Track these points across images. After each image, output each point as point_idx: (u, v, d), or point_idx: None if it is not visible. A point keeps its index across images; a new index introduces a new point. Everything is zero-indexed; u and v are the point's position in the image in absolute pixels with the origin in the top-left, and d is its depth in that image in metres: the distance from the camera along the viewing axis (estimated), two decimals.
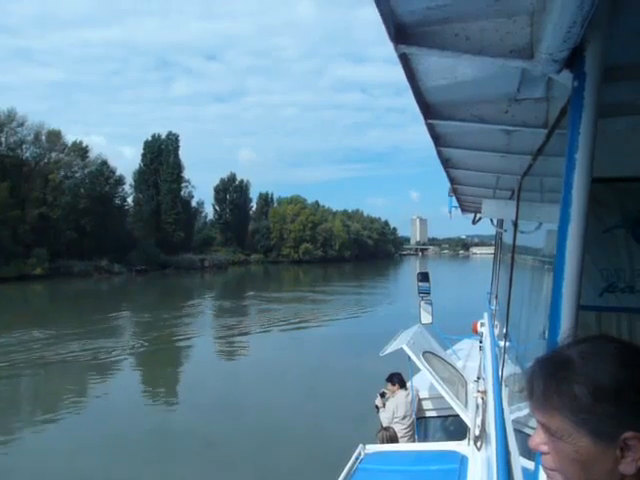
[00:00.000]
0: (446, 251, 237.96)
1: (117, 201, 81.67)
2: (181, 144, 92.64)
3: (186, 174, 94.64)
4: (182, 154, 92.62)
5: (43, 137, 70.72)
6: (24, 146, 68.69)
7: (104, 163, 78.64)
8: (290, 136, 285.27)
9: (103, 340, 21.17)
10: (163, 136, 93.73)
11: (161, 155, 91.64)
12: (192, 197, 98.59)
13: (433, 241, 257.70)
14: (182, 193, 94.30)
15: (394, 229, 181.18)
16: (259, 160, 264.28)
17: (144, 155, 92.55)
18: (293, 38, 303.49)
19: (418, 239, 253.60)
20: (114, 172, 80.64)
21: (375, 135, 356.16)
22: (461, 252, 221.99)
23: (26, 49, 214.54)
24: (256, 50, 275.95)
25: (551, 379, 0.92)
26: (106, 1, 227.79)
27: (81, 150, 76.01)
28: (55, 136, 72.13)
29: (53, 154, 71.60)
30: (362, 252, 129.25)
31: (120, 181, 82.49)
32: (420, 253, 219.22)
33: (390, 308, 29.70)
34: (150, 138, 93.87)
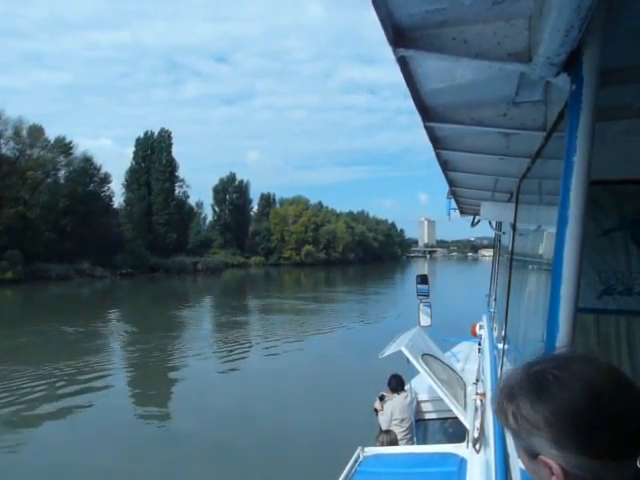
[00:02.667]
0: (454, 253, 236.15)
1: (103, 201, 75.04)
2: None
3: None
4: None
5: (24, 132, 66.21)
6: (1, 141, 63.81)
7: (87, 160, 72.68)
8: (298, 138, 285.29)
9: (80, 354, 18.80)
10: (157, 134, 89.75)
11: (154, 153, 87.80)
12: (187, 197, 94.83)
13: (441, 243, 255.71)
14: (177, 193, 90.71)
15: (401, 231, 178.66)
16: (267, 162, 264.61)
17: (135, 153, 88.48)
18: (302, 40, 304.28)
19: (426, 241, 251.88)
20: (99, 169, 74.77)
21: (384, 137, 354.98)
22: (470, 254, 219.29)
23: (36, 52, 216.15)
24: (265, 52, 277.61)
25: (504, 403, 0.97)
26: (115, 4, 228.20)
27: (64, 147, 70.73)
28: (37, 132, 67.49)
29: (35, 150, 66.64)
30: (367, 254, 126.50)
31: (106, 179, 76.24)
32: (428, 255, 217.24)
33: (397, 322, 22.42)
34: (142, 135, 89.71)
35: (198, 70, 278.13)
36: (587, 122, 1.31)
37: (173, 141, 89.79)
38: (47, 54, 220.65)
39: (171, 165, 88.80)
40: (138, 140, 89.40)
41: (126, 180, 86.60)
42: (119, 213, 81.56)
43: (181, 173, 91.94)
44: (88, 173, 72.14)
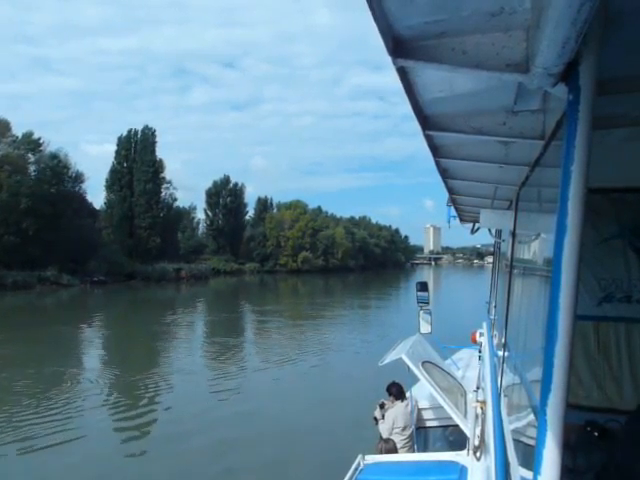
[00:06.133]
0: (460, 260, 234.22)
1: (75, 202, 66.95)
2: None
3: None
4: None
5: None
6: None
7: (55, 157, 65.26)
8: (306, 145, 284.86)
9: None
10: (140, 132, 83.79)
11: (137, 152, 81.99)
12: (175, 199, 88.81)
13: (447, 250, 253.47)
14: (163, 195, 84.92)
15: (405, 237, 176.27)
16: (274, 169, 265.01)
17: (117, 152, 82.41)
18: (310, 46, 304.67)
19: (432, 248, 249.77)
20: (68, 168, 67.09)
21: (392, 143, 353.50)
22: (475, 261, 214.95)
23: (44, 58, 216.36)
24: (273, 58, 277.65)
25: None
26: (124, 9, 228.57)
27: (33, 143, 64.86)
28: (2, 127, 62.35)
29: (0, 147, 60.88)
30: (368, 261, 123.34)
31: (78, 179, 68.82)
32: (433, 262, 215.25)
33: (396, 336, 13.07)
34: (126, 133, 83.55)
35: (206, 76, 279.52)
36: (584, 131, 1.33)
37: (158, 139, 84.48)
38: (55, 60, 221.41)
39: (154, 165, 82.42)
40: (120, 138, 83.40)
41: (107, 181, 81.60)
42: (100, 216, 76.07)
43: (186, 179, 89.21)
44: (56, 172, 64.69)
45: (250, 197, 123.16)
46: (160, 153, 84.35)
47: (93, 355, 22.47)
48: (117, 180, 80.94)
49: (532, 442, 1.65)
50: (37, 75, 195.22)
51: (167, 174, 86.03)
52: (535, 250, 2.77)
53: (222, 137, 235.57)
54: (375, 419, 7.72)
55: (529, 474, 1.73)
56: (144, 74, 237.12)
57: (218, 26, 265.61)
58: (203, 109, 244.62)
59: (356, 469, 4.97)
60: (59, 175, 65.31)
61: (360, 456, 5.21)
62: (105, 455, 10.41)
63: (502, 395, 3.84)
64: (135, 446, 11.22)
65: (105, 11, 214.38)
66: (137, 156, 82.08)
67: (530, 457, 1.63)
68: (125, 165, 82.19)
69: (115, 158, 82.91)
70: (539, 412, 1.45)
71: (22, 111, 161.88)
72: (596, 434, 3.11)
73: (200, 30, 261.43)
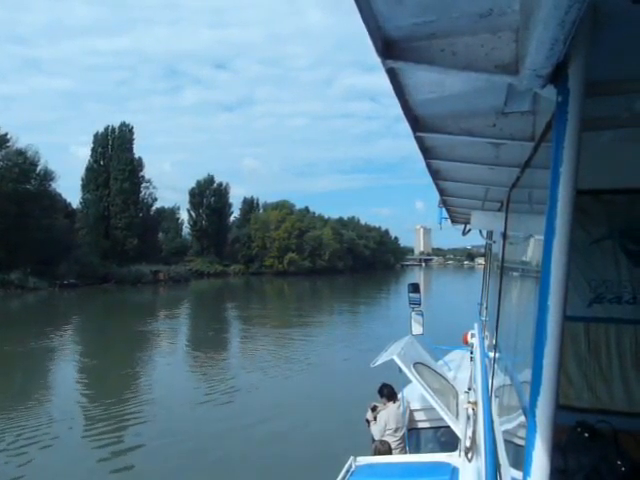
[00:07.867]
0: (451, 262, 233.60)
1: (44, 201, 62.31)
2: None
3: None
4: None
5: None
6: None
7: (21, 154, 60.88)
8: (298, 146, 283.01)
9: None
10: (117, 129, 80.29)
11: (114, 150, 78.90)
12: (155, 199, 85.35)
13: (438, 251, 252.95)
14: (143, 195, 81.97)
15: (395, 238, 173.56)
16: (266, 170, 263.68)
17: (93, 150, 79.08)
18: (303, 47, 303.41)
19: (422, 249, 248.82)
20: (35, 165, 62.84)
21: (384, 144, 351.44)
22: (466, 263, 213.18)
23: (35, 59, 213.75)
24: (266, 59, 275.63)
25: None
26: (116, 10, 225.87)
27: None
28: None
29: None
30: (357, 262, 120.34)
31: (47, 177, 64.58)
32: (424, 264, 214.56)
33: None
34: (102, 130, 79.95)
35: (198, 77, 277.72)
36: (573, 133, 1.33)
37: (135, 137, 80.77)
38: (46, 60, 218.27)
39: (132, 163, 79.16)
40: (96, 135, 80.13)
41: (82, 179, 78.36)
42: (76, 216, 72.61)
43: (178, 180, 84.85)
44: (23, 169, 60.50)
45: (241, 198, 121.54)
46: (152, 154, 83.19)
47: (44, 367, 20.14)
48: (93, 179, 77.81)
49: (523, 443, 1.65)
50: (28, 76, 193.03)
51: (158, 175, 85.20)
52: (526, 251, 2.78)
53: (214, 138, 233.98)
54: (367, 421, 7.71)
55: (520, 475, 1.73)
56: (136, 75, 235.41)
57: (210, 27, 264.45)
58: (195, 110, 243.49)
59: (348, 471, 4.96)
60: (26, 173, 61.17)
61: (352, 458, 5.20)
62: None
63: (493, 396, 3.85)
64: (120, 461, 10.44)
65: (97, 11, 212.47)
66: (114, 154, 78.75)
67: (521, 458, 1.63)
68: (102, 163, 78.98)
69: (91, 156, 79.56)
70: (528, 413, 1.45)
71: (12, 112, 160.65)
72: (587, 435, 3.11)
73: (192, 31, 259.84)
